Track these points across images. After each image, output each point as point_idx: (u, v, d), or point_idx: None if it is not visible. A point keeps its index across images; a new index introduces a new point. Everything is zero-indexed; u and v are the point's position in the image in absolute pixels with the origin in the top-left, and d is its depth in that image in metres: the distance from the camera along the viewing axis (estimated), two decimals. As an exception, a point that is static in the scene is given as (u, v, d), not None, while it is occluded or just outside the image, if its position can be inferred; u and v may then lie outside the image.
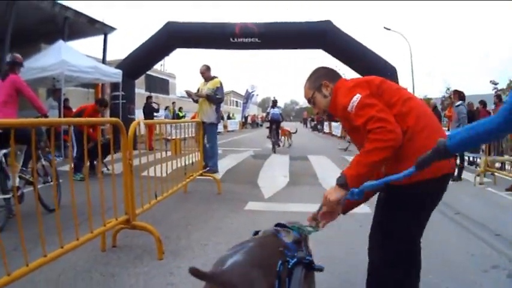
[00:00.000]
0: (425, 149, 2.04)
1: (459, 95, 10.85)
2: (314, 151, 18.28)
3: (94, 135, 9.04)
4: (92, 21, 19.02)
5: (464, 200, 7.87)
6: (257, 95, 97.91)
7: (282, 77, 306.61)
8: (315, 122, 53.14)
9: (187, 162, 7.83)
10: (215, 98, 9.90)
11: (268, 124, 20.04)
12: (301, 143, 25.01)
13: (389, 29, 34.82)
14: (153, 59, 18.11)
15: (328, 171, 11.05)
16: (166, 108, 25.98)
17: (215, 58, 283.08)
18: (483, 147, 10.61)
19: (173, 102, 27.89)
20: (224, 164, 12.13)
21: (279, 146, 19.64)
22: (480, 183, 9.73)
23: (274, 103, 20.35)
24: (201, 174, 8.25)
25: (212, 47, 18.31)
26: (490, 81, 44.69)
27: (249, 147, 20.42)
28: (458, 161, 10.37)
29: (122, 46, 33.52)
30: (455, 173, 10.29)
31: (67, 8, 17.16)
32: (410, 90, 17.37)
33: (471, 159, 14.06)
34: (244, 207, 6.94)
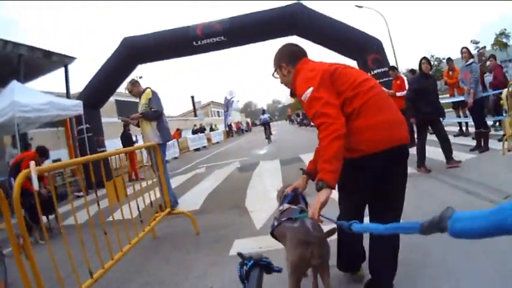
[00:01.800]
0: (371, 123, 2.69)
1: (469, 53, 9.30)
2: (306, 149, 16.13)
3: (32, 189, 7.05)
4: (48, 54, 17.35)
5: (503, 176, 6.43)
6: (238, 101, 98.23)
7: (259, 79, 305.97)
8: (301, 117, 51.87)
9: (148, 201, 6.26)
10: (150, 113, 8.03)
11: (262, 127, 30.70)
12: (290, 141, 23.50)
13: (361, 7, 32.96)
14: (114, 83, 16.29)
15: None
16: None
17: (189, 71, 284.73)
18: (505, 106, 8.87)
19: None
20: (204, 187, 10.43)
21: (270, 139, 26.80)
22: (509, 150, 8.00)
23: (263, 111, 30.43)
24: (169, 213, 6.35)
25: (175, 56, 16.64)
26: (471, 41, 43.77)
27: (235, 157, 18.75)
28: (477, 128, 9.08)
29: (89, 75, 31.33)
30: (481, 143, 8.86)
31: (19, 45, 15.60)
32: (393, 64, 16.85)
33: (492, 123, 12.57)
34: (230, 251, 5.07)
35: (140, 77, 50.63)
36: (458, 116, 13.23)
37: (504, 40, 49.69)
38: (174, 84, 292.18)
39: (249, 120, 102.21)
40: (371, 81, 2.93)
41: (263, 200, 7.64)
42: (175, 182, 12.45)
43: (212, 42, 14.89)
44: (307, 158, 12.17)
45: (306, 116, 44.13)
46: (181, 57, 16.92)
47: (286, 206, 3.12)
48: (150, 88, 8.27)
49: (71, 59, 19.21)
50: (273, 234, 3.08)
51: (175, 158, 26.09)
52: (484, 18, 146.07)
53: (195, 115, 57.52)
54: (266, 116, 28.75)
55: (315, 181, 2.57)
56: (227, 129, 55.14)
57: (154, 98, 8.09)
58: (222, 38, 14.81)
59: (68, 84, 18.97)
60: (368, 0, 52.36)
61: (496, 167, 7.11)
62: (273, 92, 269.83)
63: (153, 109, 7.98)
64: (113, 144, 22.21)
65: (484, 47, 24.19)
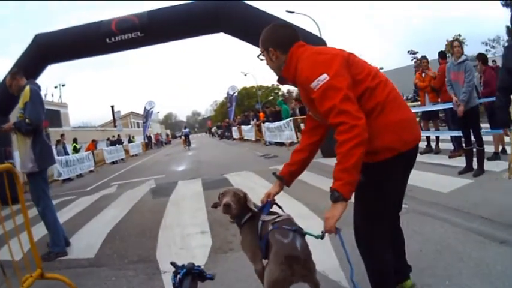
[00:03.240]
0: (397, 120, 2.48)
1: (461, 47, 7.77)
2: (232, 166, 14.60)
3: None
4: None
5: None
6: (158, 112, 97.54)
7: (181, 89, 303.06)
8: (222, 130, 51.07)
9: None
10: (23, 124, 5.69)
11: (183, 137, 41.54)
12: (212, 157, 21.49)
13: (292, 12, 31.57)
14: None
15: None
16: (58, 142, 21.74)
17: (111, 80, 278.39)
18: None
19: (61, 135, 23.10)
20: (107, 219, 8.10)
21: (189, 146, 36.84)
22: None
23: (185, 127, 46.13)
24: (41, 276, 4.04)
25: (87, 54, 14.72)
26: (408, 52, 44.20)
27: (151, 174, 16.39)
28: (468, 144, 7.71)
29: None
30: (472, 163, 7.59)
31: None
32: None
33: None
34: None
35: (63, 85, 47.69)
36: (427, 129, 11.56)
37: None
38: (95, 93, 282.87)
39: (169, 132, 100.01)
40: (381, 73, 2.69)
41: (180, 246, 5.59)
42: (76, 206, 10.44)
43: (127, 38, 13.07)
44: (237, 179, 10.85)
45: (227, 129, 43.29)
46: (95, 55, 15.16)
47: (284, 215, 2.93)
48: (30, 85, 5.88)
49: None
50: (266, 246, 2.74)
51: (91, 171, 23.63)
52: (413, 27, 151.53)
53: (115, 126, 54.67)
54: (187, 130, 42.66)
55: (330, 190, 2.32)
56: (146, 140, 52.43)
57: (33, 101, 5.72)
58: (139, 33, 13.00)
59: None
60: (301, 2, 51.18)
61: (506, 197, 5.53)
62: (193, 103, 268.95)
63: (26, 120, 5.63)
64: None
65: (424, 56, 23.49)
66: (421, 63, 11.51)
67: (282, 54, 2.75)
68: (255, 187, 8.58)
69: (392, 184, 2.67)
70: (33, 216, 5.74)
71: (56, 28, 13.98)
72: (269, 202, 3.08)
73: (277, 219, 2.82)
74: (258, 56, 2.95)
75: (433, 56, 11.92)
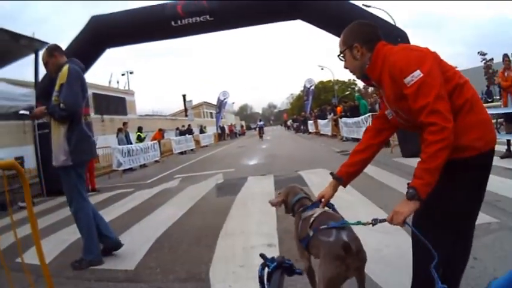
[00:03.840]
0: (482, 120, 2.43)
1: None
2: (306, 162, 13.46)
3: None
4: (16, 37, 14.05)
5: None
6: (233, 103, 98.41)
7: (257, 81, 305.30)
8: (297, 123, 50.34)
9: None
10: (57, 109, 4.87)
11: (258, 129, 45.02)
12: (286, 151, 20.31)
13: (369, 6, 30.04)
14: None
15: (348, 202, 6.12)
16: (119, 131, 21.01)
17: (180, 70, 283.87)
18: None
19: (124, 123, 22.30)
20: (160, 220, 7.15)
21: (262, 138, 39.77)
22: None
23: (260, 119, 52.31)
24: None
25: (150, 39, 14.29)
26: (478, 53, 42.48)
27: (219, 167, 15.42)
28: None
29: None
30: None
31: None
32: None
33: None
34: None
35: (131, 72, 47.92)
36: (509, 132, 10.20)
37: None
38: (166, 82, 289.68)
39: (243, 123, 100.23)
40: None
41: (238, 270, 4.33)
42: (131, 201, 9.66)
43: (195, 22, 12.36)
44: (311, 177, 9.67)
45: (303, 122, 42.40)
46: (158, 40, 14.55)
47: (317, 210, 2.86)
48: (69, 64, 5.00)
49: (42, 43, 15.56)
50: (307, 248, 2.80)
51: (156, 161, 23.09)
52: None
53: (186, 115, 54.60)
54: (261, 122, 46.59)
55: (408, 186, 2.32)
56: (219, 131, 52.14)
57: (70, 83, 4.84)
58: (208, 17, 12.26)
59: (37, 73, 15.57)
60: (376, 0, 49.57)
61: None
62: (269, 96, 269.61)
63: (61, 104, 4.80)
64: None
65: (492, 59, 22.28)
66: (503, 62, 10.57)
67: (368, 52, 2.68)
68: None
69: (473, 188, 2.50)
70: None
71: (113, 10, 13.58)
72: (315, 202, 3.01)
73: (313, 219, 2.77)
74: (338, 56, 2.85)
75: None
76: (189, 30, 12.89)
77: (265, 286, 1.60)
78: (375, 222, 2.46)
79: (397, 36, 11.53)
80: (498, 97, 17.53)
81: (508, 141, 9.71)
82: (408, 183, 2.33)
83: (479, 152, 2.39)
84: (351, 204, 6.19)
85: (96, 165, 20.36)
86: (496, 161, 8.63)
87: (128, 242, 5.69)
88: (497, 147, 6.61)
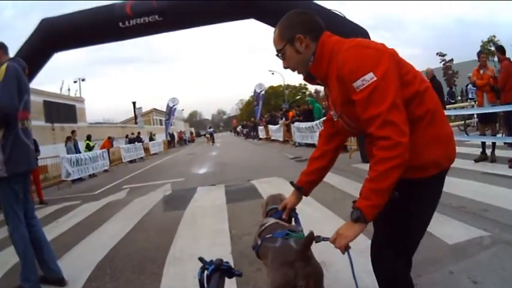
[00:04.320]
0: (445, 133, 2.20)
1: None
2: (259, 170, 12.90)
3: None
4: None
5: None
6: (182, 110, 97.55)
7: (206, 87, 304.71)
8: (247, 129, 50.47)
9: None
10: None
11: (208, 136, 48.43)
12: (237, 158, 19.74)
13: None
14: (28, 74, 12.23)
15: (311, 217, 5.19)
16: (68, 139, 20.23)
17: (132, 77, 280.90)
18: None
19: (72, 131, 21.37)
20: (103, 240, 6.33)
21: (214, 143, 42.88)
22: None
23: (210, 127, 55.40)
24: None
25: (98, 41, 13.54)
26: (437, 54, 43.72)
27: (168, 177, 14.65)
28: None
29: None
30: None
31: None
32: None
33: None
34: None
35: (83, 80, 46.26)
36: (483, 134, 10.03)
37: (491, 48, 48.11)
38: (118, 89, 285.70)
39: (193, 130, 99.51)
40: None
41: None
42: (76, 216, 8.97)
43: (144, 23, 11.78)
44: (264, 187, 9.21)
45: (253, 128, 42.14)
46: (106, 42, 13.90)
47: (271, 220, 2.78)
48: (9, 62, 4.32)
49: None
50: (257, 255, 2.73)
51: (106, 170, 22.14)
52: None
53: (136, 122, 53.42)
54: (211, 129, 51.13)
55: (352, 207, 2.10)
56: (169, 138, 51.12)
57: (5, 81, 4.13)
58: (157, 17, 11.68)
59: None
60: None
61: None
62: (218, 102, 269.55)
63: None
64: (41, 151, 18.88)
65: (452, 59, 22.52)
66: (479, 59, 10.13)
67: (312, 42, 2.32)
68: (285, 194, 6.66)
69: (430, 207, 2.32)
70: None
71: (64, 12, 12.87)
72: (278, 212, 2.89)
73: (263, 228, 2.72)
74: (277, 54, 2.46)
75: (464, 58, 11.17)
76: (138, 31, 12.29)
77: None
78: (318, 239, 2.28)
79: (359, 34, 11.06)
80: (470, 97, 17.45)
81: (483, 143, 9.45)
82: (354, 202, 2.11)
83: (441, 170, 2.21)
84: (314, 219, 5.64)
85: (46, 175, 19.31)
86: (471, 165, 8.53)
87: (68, 266, 5.03)
88: (469, 150, 6.22)
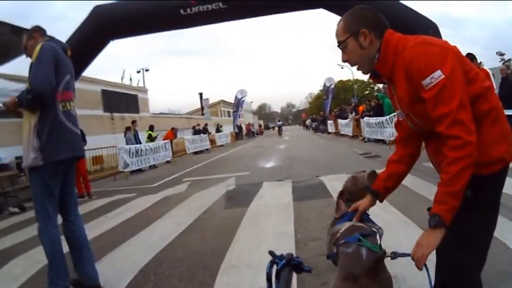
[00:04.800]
0: (508, 130, 2.14)
1: None
2: (329, 166, 12.28)
3: None
4: (17, 31, 13.30)
5: None
6: (251, 102, 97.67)
7: (276, 80, 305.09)
8: (316, 123, 50.96)
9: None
10: (23, 95, 3.80)
11: (277, 128, 52.37)
12: (305, 152, 19.32)
13: None
14: (81, 63, 12.34)
15: (385, 222, 4.79)
16: (127, 129, 20.23)
17: (199, 68, 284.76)
18: None
19: (133, 121, 21.74)
20: (152, 240, 5.94)
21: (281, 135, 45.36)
22: None
23: (279, 120, 64.10)
24: None
25: (158, 29, 13.30)
26: (497, 53, 42.27)
27: (233, 170, 14.34)
28: None
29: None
30: None
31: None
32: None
33: None
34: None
35: (147, 70, 46.83)
36: None
37: None
38: (184, 80, 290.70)
39: (261, 122, 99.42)
40: None
41: None
42: (128, 210, 8.71)
43: (207, 10, 11.43)
44: (334, 185, 8.46)
45: (322, 122, 41.46)
46: (166, 30, 13.57)
47: (346, 224, 2.57)
48: (45, 42, 4.01)
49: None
50: (334, 263, 2.52)
51: (168, 161, 22.13)
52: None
53: (202, 114, 53.68)
54: (280, 122, 54.34)
55: (429, 213, 2.07)
56: (236, 130, 51.11)
57: (39, 61, 3.78)
58: (221, 4, 11.29)
59: None
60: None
61: None
62: (287, 95, 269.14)
63: (29, 87, 3.73)
64: (98, 141, 19.29)
65: (510, 59, 21.04)
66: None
67: (376, 39, 2.28)
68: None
69: (498, 202, 2.23)
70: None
71: None
72: (348, 213, 2.70)
73: (338, 234, 2.51)
74: (339, 45, 2.40)
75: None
76: (200, 19, 12.02)
77: (273, 284, 1.58)
78: (394, 255, 2.21)
79: (428, 28, 10.72)
80: None
81: None
82: (429, 209, 2.09)
83: (506, 165, 2.15)
84: (389, 225, 4.98)
85: (101, 166, 19.52)
86: None
87: (109, 269, 4.70)
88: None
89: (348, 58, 2.41)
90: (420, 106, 2.14)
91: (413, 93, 2.13)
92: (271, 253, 1.68)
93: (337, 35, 2.41)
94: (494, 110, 2.13)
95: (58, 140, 3.86)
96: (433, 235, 2.02)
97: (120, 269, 4.74)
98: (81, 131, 12.13)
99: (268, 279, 1.58)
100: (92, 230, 6.69)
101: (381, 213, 4.46)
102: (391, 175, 2.65)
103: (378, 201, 2.71)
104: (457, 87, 2.00)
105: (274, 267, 1.62)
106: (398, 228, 5.05)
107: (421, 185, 7.31)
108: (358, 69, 2.44)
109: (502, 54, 41.81)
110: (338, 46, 2.41)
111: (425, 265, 2.04)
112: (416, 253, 2.04)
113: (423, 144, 2.55)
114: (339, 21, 2.40)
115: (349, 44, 2.35)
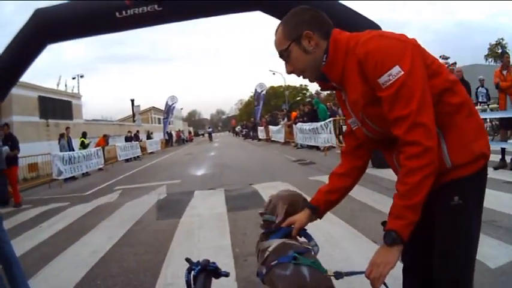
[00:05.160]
0: (481, 123, 2.01)
1: None
2: (261, 173, 12.19)
3: None
4: None
5: None
6: (181, 108, 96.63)
7: (206, 87, 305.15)
8: (246, 129, 51.27)
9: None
10: None
11: (207, 135, 59.96)
12: (237, 160, 18.93)
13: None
14: (19, 67, 12.44)
15: (330, 235, 4.91)
16: (61, 136, 19.60)
17: (132, 74, 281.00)
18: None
19: (66, 128, 20.78)
20: (84, 255, 5.49)
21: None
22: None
23: (209, 127, 73.66)
24: None
25: (94, 32, 13.12)
26: (440, 57, 43.80)
27: (164, 178, 13.86)
28: None
29: None
30: None
31: None
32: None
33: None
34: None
35: (81, 76, 45.37)
36: (504, 140, 9.47)
37: (499, 51, 48.45)
38: (117, 87, 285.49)
39: (191, 129, 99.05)
40: None
41: None
42: (60, 221, 8.20)
43: (142, 12, 11.18)
44: (268, 193, 7.90)
45: (252, 128, 41.55)
46: (102, 33, 13.42)
47: (277, 241, 2.26)
48: None
49: None
50: (263, 281, 2.22)
51: (100, 169, 21.60)
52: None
53: (134, 120, 52.70)
54: (210, 129, 59.36)
55: (384, 228, 1.88)
56: (166, 137, 50.36)
57: None
58: (156, 7, 11.08)
59: None
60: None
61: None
62: (217, 102, 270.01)
63: None
64: (34, 148, 18.90)
65: (455, 62, 21.90)
66: (502, 60, 9.76)
67: (322, 40, 2.04)
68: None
69: (482, 202, 2.04)
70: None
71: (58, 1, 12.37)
72: (282, 229, 2.33)
73: (267, 253, 2.20)
74: (281, 54, 2.12)
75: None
76: (135, 22, 11.72)
77: None
78: (338, 275, 1.98)
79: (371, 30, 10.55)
80: (481, 100, 16.89)
81: (503, 149, 8.87)
82: (383, 223, 1.92)
83: (486, 160, 2.01)
84: (334, 237, 4.84)
85: (38, 173, 18.64)
86: (490, 173, 7.69)
87: (42, 286, 4.45)
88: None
89: (293, 68, 2.16)
90: (377, 109, 1.92)
91: (369, 94, 1.91)
92: (187, 260, 1.70)
93: (277, 45, 2.16)
94: (465, 104, 1.97)
95: None
96: (390, 253, 1.84)
97: (54, 287, 4.44)
98: (14, 138, 11.35)
99: (188, 286, 1.61)
100: (28, 241, 6.66)
101: (324, 224, 4.19)
102: (336, 189, 2.43)
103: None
104: (417, 84, 1.81)
105: (192, 274, 1.64)
106: (344, 240, 4.88)
107: (363, 192, 7.24)
108: (304, 77, 2.20)
109: (446, 58, 43.61)
110: (280, 57, 2.16)
111: (385, 283, 1.86)
112: (373, 273, 1.85)
113: None
114: (277, 29, 2.16)
115: (292, 51, 2.10)
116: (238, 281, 3.94)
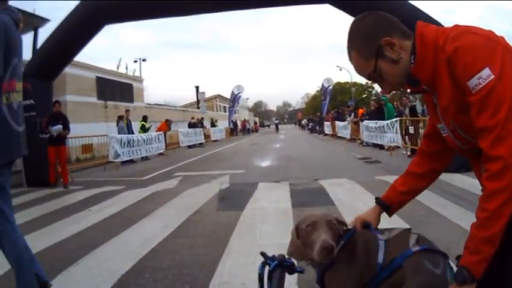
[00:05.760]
0: None
1: None
2: (326, 168, 11.86)
3: None
4: None
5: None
6: (247, 98, 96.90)
7: (273, 79, 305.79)
8: (313, 123, 50.67)
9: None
10: None
11: (275, 125, 65.33)
12: (303, 153, 18.49)
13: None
14: (72, 47, 12.14)
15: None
16: (120, 118, 19.59)
17: (197, 61, 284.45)
18: None
19: (126, 110, 21.24)
20: (132, 246, 5.21)
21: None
22: None
23: (277, 118, 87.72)
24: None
25: (157, 14, 12.38)
26: None
27: (227, 167, 13.70)
28: None
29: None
30: None
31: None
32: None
33: None
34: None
35: (144, 60, 45.96)
36: None
37: None
38: (181, 72, 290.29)
39: (257, 119, 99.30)
40: None
41: None
42: (112, 205, 8.02)
43: None
44: (336, 192, 8.12)
45: (319, 122, 41.07)
46: (163, 16, 12.81)
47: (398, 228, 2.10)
48: None
49: (44, 20, 16.39)
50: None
51: (161, 154, 21.56)
52: None
53: (198, 107, 53.10)
54: (277, 121, 64.21)
55: (458, 265, 1.63)
56: (231, 126, 50.46)
57: None
58: None
59: (34, 52, 14.83)
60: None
61: None
62: (284, 94, 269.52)
63: None
64: (90, 128, 19.07)
65: None
66: None
67: (405, 40, 1.76)
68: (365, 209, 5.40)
69: None
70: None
71: None
72: (351, 231, 2.07)
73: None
74: (370, 78, 1.83)
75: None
76: (197, 7, 11.46)
77: (265, 285, 1.61)
78: None
79: None
80: None
81: None
82: (458, 257, 1.64)
83: None
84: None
85: (93, 154, 18.92)
86: None
87: (84, 274, 4.18)
88: None
89: (392, 85, 1.88)
90: (469, 117, 1.65)
91: (461, 100, 1.65)
92: (262, 254, 1.72)
93: (360, 71, 1.88)
94: None
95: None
96: None
97: (96, 276, 4.13)
98: (65, 117, 11.32)
99: (260, 280, 1.63)
100: (73, 226, 6.32)
101: (384, 224, 3.85)
102: (412, 190, 2.22)
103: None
104: (507, 90, 1.54)
105: (267, 268, 1.65)
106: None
107: (432, 197, 6.64)
108: (394, 88, 1.95)
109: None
110: (370, 79, 1.88)
111: None
112: None
113: None
114: (349, 54, 1.88)
115: (382, 69, 1.80)
116: (300, 285, 3.63)
